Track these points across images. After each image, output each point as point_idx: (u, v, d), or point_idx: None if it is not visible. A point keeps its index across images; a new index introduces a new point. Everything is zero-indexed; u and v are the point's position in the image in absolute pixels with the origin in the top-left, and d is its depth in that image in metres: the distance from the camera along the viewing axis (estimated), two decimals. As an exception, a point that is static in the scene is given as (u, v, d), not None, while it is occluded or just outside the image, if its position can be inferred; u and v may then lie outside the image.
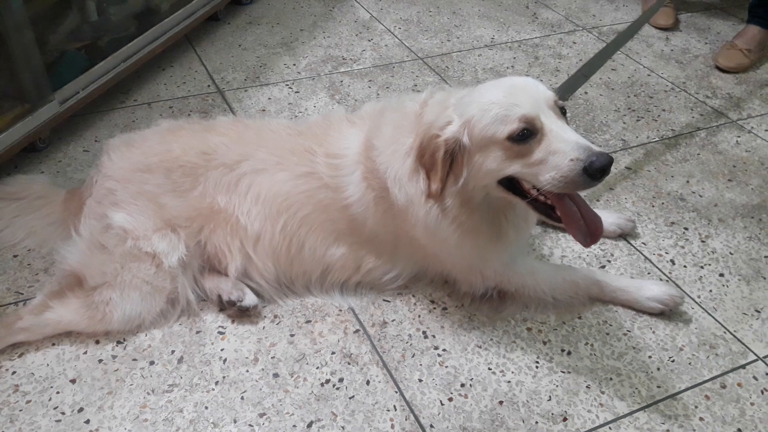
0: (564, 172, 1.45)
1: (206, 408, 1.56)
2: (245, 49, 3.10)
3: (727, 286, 1.96)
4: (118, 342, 1.71)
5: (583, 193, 1.77)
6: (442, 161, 1.54)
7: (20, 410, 1.54)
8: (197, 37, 3.15)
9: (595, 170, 1.42)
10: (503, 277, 1.79)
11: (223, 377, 1.64)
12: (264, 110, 2.67)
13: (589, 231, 1.57)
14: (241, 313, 1.78)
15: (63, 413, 1.54)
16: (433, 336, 1.77)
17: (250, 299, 1.77)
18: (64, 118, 2.36)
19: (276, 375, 1.65)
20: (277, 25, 3.32)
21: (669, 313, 1.84)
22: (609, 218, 2.10)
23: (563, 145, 1.46)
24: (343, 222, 1.77)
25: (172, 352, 1.70)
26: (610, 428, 1.56)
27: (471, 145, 1.54)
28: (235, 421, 1.54)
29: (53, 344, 1.70)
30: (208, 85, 2.81)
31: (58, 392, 1.59)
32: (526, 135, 1.48)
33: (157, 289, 1.69)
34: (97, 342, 1.71)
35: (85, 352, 1.69)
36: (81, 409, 1.55)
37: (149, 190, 1.74)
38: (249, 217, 1.74)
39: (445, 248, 1.73)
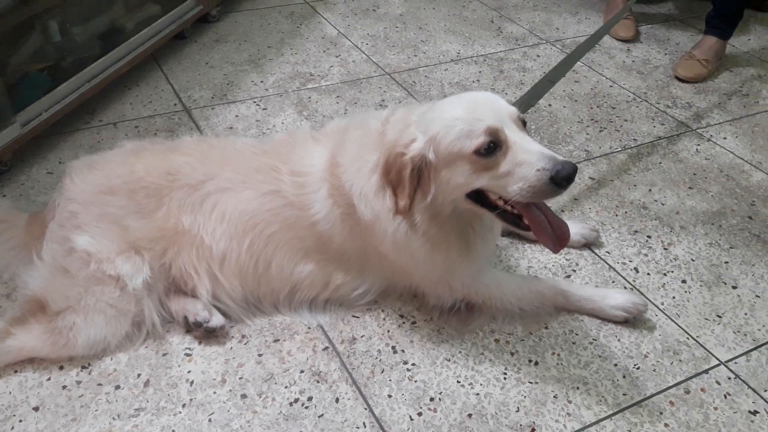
0: (531, 182, 1.48)
1: (173, 431, 1.55)
2: (212, 66, 3.10)
3: (690, 293, 2.00)
4: (83, 367, 1.69)
5: (548, 203, 1.81)
6: (409, 178, 1.56)
7: (-19, 441, 1.51)
8: (163, 56, 3.14)
9: (562, 179, 1.46)
10: (470, 289, 1.81)
11: (191, 399, 1.62)
12: (231, 128, 2.66)
13: (557, 236, 1.60)
14: (208, 334, 1.77)
15: (25, 442, 1.51)
16: (403, 351, 1.77)
17: (216, 320, 1.76)
18: (26, 140, 2.33)
19: (244, 396, 1.63)
20: (245, 43, 3.33)
21: (633, 320, 1.87)
22: (573, 228, 2.13)
23: (529, 156, 1.49)
24: (310, 239, 1.77)
25: (138, 375, 1.68)
26: (577, 437, 1.58)
27: (437, 161, 1.56)
28: (202, 444, 1.53)
29: (15, 371, 1.67)
30: (175, 104, 2.80)
31: (20, 420, 1.56)
32: (492, 148, 1.51)
33: (122, 312, 1.67)
34: (61, 368, 1.69)
35: (49, 379, 1.66)
36: (44, 438, 1.53)
37: (112, 212, 1.72)
38: (214, 237, 1.74)
39: (414, 262, 1.74)
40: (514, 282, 1.87)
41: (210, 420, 1.57)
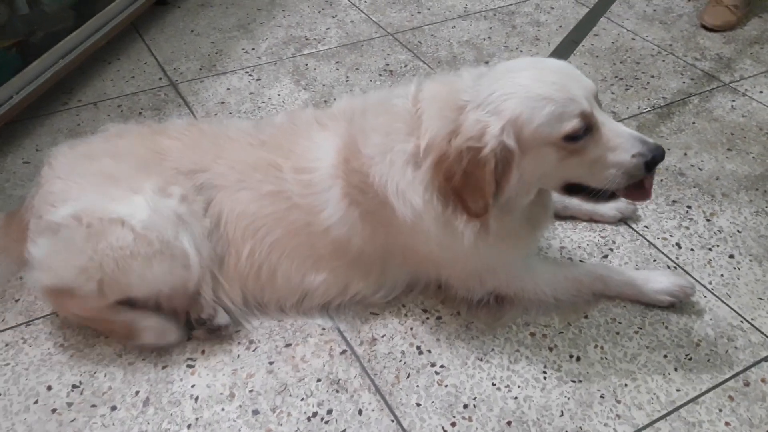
0: (627, 168, 1.37)
1: (179, 458, 1.38)
2: (198, 34, 2.84)
3: (739, 269, 1.81)
4: (74, 386, 1.51)
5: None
6: (491, 175, 1.32)
7: (-37, 479, 1.34)
8: (145, 25, 2.87)
9: (656, 164, 1.37)
10: (502, 281, 1.62)
11: (196, 419, 1.45)
12: (223, 102, 2.43)
13: (646, 187, 1.43)
14: (212, 334, 1.58)
15: (13, 478, 1.35)
16: (429, 351, 1.59)
17: (222, 317, 1.58)
18: (-3, 127, 2.11)
19: (256, 412, 1.46)
20: (232, 6, 3.06)
21: (680, 304, 1.69)
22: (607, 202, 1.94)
23: (621, 141, 1.36)
24: (323, 246, 1.56)
25: (137, 393, 1.50)
26: (630, 443, 1.42)
27: (519, 149, 1.33)
28: (213, 471, 1.36)
29: (-2, 395, 1.49)
30: (160, 78, 2.56)
31: (6, 452, 1.39)
32: (584, 133, 1.33)
33: (150, 255, 1.46)
34: (49, 388, 1.51)
35: (36, 402, 1.48)
36: (34, 472, 1.36)
37: (97, 169, 1.53)
38: (210, 238, 1.53)
39: (460, 258, 1.54)
40: (548, 270, 1.68)
41: (219, 442, 1.41)
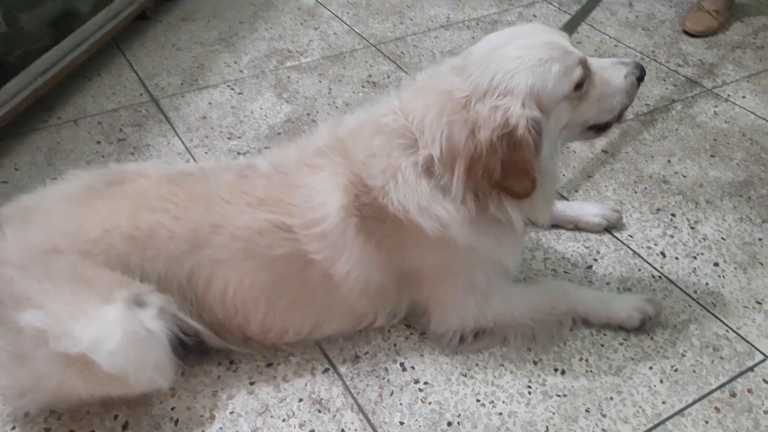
0: (626, 90, 1.48)
1: (158, 484, 1.35)
2: (180, 49, 2.82)
3: (724, 277, 1.81)
4: (52, 412, 1.48)
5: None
6: (532, 152, 1.33)
7: None
8: (126, 40, 2.85)
9: (644, 77, 1.50)
10: (482, 311, 1.56)
11: (176, 443, 1.42)
12: (205, 117, 2.41)
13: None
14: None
15: None
16: (413, 367, 1.58)
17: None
18: (-26, 147, 2.08)
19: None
20: (214, 20, 3.04)
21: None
22: (592, 209, 1.93)
23: (610, 70, 1.47)
24: (343, 292, 1.48)
25: (116, 417, 1.47)
26: (616, 458, 1.40)
27: (542, 116, 1.35)
28: (192, 497, 1.34)
29: (-27, 423, 1.46)
30: (141, 94, 2.54)
31: (-19, 482, 1.36)
32: (585, 79, 1.41)
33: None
34: (27, 414, 1.47)
35: (14, 428, 1.45)
36: (9, 502, 1.33)
37: (61, 269, 1.32)
38: (212, 310, 1.45)
39: (474, 265, 1.51)
40: (518, 290, 1.65)
41: (199, 468, 1.38)
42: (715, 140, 2.31)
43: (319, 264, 1.43)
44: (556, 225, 1.93)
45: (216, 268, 1.41)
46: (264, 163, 1.51)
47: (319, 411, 1.48)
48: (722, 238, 1.92)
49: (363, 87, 2.59)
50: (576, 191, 2.09)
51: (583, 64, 1.40)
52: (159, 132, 2.34)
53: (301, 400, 1.50)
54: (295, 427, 1.45)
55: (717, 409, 1.49)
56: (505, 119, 1.30)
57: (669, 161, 2.22)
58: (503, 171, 1.33)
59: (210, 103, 2.49)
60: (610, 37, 2.92)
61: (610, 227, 1.94)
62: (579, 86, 1.39)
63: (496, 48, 1.37)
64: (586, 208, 1.94)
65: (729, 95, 2.54)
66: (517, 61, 1.33)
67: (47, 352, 1.26)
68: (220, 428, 1.45)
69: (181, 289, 1.41)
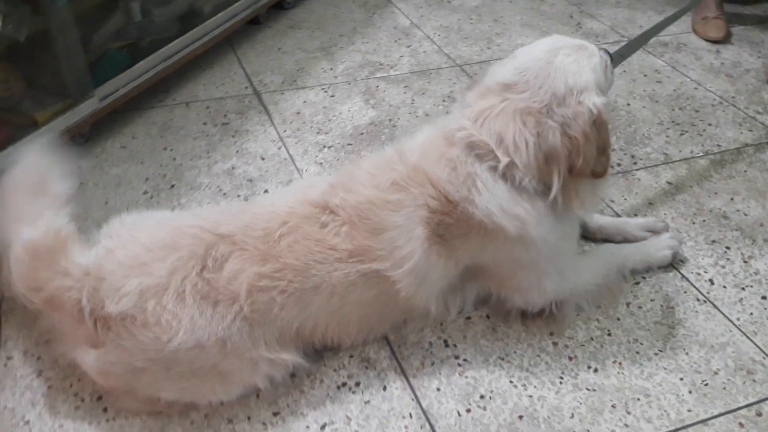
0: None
1: (221, 405, 1.56)
2: (284, 52, 3.13)
3: (770, 310, 1.86)
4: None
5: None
6: (609, 132, 1.58)
7: None
8: (238, 40, 3.19)
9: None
10: (559, 289, 1.72)
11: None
12: (299, 113, 2.68)
13: None
14: None
15: None
16: (455, 345, 1.72)
17: None
18: (104, 114, 2.42)
19: (293, 375, 1.63)
20: (318, 30, 3.35)
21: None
22: (636, 220, 2.10)
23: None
24: (418, 303, 1.62)
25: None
26: (635, 451, 1.49)
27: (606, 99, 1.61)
28: (249, 419, 1.53)
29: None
30: (246, 87, 2.85)
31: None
32: None
33: None
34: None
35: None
36: None
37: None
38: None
39: (545, 254, 1.63)
40: (582, 262, 1.84)
41: (258, 396, 1.58)
42: (783, 185, 2.35)
43: (405, 292, 1.56)
44: (606, 239, 2.03)
45: (319, 319, 1.56)
46: (339, 203, 1.53)
47: (367, 368, 1.65)
48: (774, 275, 1.97)
49: (444, 101, 2.79)
50: (635, 215, 2.19)
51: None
52: (258, 121, 2.62)
53: (351, 356, 1.68)
54: (344, 377, 1.63)
55: (741, 425, 1.55)
56: (588, 111, 1.51)
57: (732, 199, 2.27)
58: (596, 155, 1.53)
59: (305, 101, 2.76)
60: (691, 79, 2.99)
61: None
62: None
63: (549, 61, 1.55)
64: (631, 221, 2.08)
65: (805, 145, 2.56)
66: (576, 65, 1.54)
67: None
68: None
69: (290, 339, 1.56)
